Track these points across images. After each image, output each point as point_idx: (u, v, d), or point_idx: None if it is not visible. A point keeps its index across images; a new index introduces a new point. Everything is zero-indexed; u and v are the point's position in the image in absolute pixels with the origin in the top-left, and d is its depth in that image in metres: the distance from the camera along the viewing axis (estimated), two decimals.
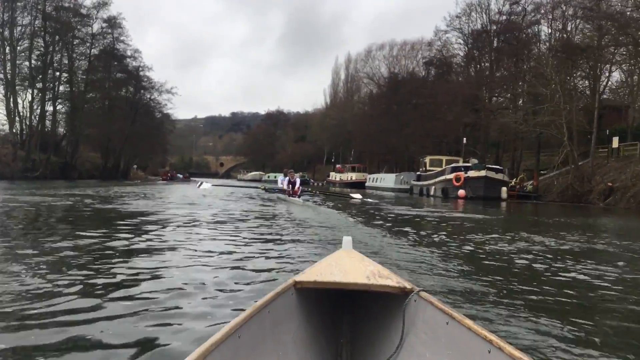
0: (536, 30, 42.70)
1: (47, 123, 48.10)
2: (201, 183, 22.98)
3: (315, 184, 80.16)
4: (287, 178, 18.59)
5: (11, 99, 41.28)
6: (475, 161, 33.33)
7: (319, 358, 2.12)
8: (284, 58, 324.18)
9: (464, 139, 36.93)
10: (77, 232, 7.46)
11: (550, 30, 39.94)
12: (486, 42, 48.79)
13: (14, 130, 43.27)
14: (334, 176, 74.60)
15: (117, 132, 55.52)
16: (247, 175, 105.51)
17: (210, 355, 1.42)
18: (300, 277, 2.20)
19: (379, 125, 65.79)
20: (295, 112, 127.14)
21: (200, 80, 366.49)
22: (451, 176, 32.53)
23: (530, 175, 37.52)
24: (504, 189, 31.64)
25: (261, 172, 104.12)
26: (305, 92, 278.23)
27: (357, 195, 19.55)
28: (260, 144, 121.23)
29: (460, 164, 36.10)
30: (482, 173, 30.82)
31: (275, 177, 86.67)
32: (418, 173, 43.60)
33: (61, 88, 51.58)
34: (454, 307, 2.28)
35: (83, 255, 5.52)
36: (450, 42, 53.30)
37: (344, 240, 2.85)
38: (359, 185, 59.83)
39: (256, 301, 1.94)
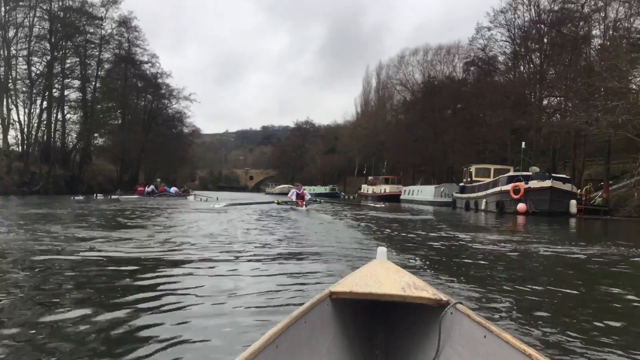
0: (600, 17, 37.05)
1: (54, 134, 44.18)
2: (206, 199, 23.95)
3: (346, 197, 75.67)
4: (295, 191, 21.91)
5: (4, 106, 37.35)
6: (537, 169, 27.83)
7: None
8: (323, 71, 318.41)
9: (523, 143, 31.31)
10: None
11: (616, 16, 34.38)
12: (536, 37, 43.21)
13: (15, 140, 39.59)
14: (366, 189, 69.61)
15: (133, 143, 51.72)
16: (275, 189, 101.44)
17: None
18: (335, 288, 2.17)
19: (414, 133, 61.07)
20: (326, 125, 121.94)
21: (237, 93, 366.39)
22: (508, 187, 27.16)
23: (596, 186, 31.85)
24: (573, 202, 26.20)
25: (290, 185, 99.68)
26: (342, 105, 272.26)
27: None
28: (288, 157, 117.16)
29: (513, 172, 30.87)
30: (547, 183, 25.44)
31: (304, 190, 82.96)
32: (462, 184, 38.32)
33: (73, 95, 48.12)
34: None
35: None
36: (495, 39, 47.79)
37: (378, 250, 2.73)
38: (393, 199, 55.01)
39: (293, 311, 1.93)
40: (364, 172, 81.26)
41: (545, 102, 42.38)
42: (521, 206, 25.83)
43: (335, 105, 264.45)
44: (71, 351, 2.90)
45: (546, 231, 15.65)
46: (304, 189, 22.59)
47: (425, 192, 47.89)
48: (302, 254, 7.29)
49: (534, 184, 25.96)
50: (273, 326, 1.73)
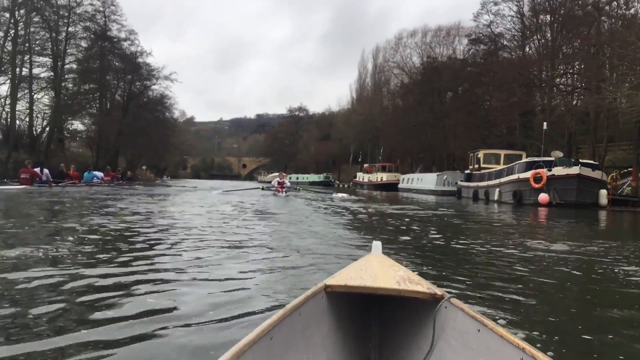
0: None
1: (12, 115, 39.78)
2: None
3: (341, 185, 72.30)
4: (278, 179, 24.29)
5: None
6: (560, 154, 24.02)
7: None
8: (325, 59, 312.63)
9: (544, 124, 27.30)
10: None
11: None
12: (548, 9, 39.29)
13: None
14: (361, 177, 66.05)
15: (110, 126, 47.66)
16: (267, 177, 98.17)
17: (243, 356, 1.43)
18: (330, 281, 2.16)
19: (412, 118, 57.46)
20: (321, 112, 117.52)
21: (237, 81, 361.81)
22: (527, 175, 23.42)
23: (623, 173, 28.18)
24: (603, 192, 22.53)
25: (282, 173, 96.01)
26: (342, 93, 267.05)
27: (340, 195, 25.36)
28: (281, 144, 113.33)
29: (531, 158, 27.25)
30: (574, 170, 21.73)
31: (297, 178, 79.69)
32: (468, 172, 34.63)
33: (44, 75, 43.85)
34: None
35: None
36: (502, 14, 43.81)
37: (373, 245, 2.81)
38: (390, 187, 51.49)
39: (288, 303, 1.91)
40: (359, 159, 77.82)
41: (557, 80, 38.65)
42: (543, 197, 22.15)
43: (337, 93, 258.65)
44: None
45: (580, 227, 12.55)
46: (286, 178, 25.83)
47: (426, 181, 44.19)
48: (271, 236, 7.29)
49: (558, 171, 22.26)
50: (267, 319, 1.70)
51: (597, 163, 25.27)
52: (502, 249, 7.00)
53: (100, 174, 26.01)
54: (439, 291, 2.01)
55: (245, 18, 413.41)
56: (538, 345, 2.46)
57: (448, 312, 1.95)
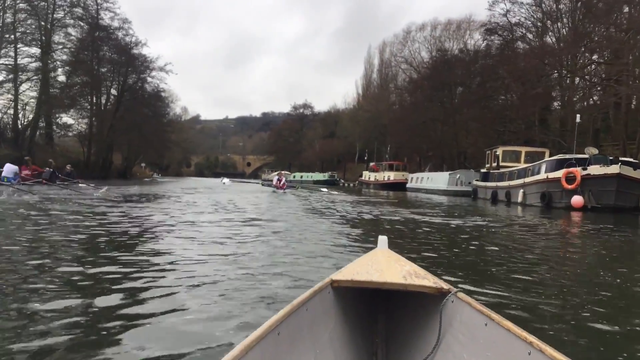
0: None
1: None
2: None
3: (346, 184, 69.63)
4: (277, 177, 26.48)
5: None
6: (595, 151, 21.11)
7: (354, 356, 2.11)
8: (336, 56, 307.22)
9: (577, 116, 24.41)
10: None
11: None
12: None
13: None
14: (368, 176, 63.21)
15: (102, 121, 45.16)
16: (271, 175, 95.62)
17: (251, 351, 1.44)
18: (337, 276, 2.17)
19: (421, 115, 54.60)
20: (327, 110, 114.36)
21: (246, 79, 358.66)
22: (558, 174, 20.57)
23: None
24: None
25: (286, 172, 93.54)
26: (349, 90, 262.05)
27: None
28: (285, 142, 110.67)
29: (550, 156, 24.49)
30: (614, 169, 18.88)
31: (301, 176, 77.12)
32: (484, 171, 31.80)
33: (33, 65, 41.35)
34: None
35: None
36: (520, 1, 40.92)
37: (379, 239, 2.71)
38: (398, 187, 48.77)
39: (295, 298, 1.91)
40: (365, 157, 75.08)
41: (583, 70, 35.71)
42: (577, 199, 19.32)
43: (344, 91, 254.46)
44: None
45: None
46: (290, 176, 26.92)
47: (437, 180, 41.32)
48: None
49: (594, 170, 19.41)
50: (274, 314, 1.70)
51: (637, 161, 22.36)
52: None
53: (13, 168, 16.90)
54: (445, 285, 1.98)
55: (258, 13, 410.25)
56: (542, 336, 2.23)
57: (455, 307, 1.92)
